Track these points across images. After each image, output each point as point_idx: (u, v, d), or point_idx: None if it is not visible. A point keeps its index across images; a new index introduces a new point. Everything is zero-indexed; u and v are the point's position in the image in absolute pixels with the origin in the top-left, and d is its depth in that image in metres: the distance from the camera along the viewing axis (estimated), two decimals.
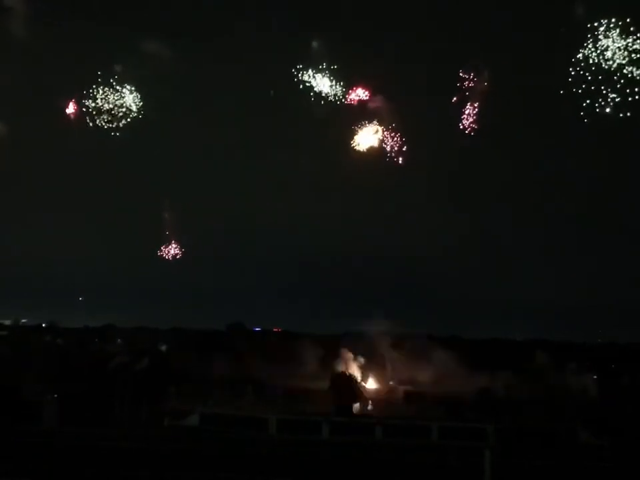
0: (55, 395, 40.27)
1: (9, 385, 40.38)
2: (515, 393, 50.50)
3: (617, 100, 50.37)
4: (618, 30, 50.37)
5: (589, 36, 50.83)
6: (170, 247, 67.33)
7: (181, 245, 67.97)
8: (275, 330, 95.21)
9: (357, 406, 45.75)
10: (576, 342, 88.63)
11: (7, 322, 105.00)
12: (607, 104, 50.77)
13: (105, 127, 58.48)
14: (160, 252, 66.96)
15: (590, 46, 50.56)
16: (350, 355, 63.15)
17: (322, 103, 57.77)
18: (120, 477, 24.92)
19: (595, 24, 50.87)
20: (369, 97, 58.74)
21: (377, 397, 53.21)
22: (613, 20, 50.25)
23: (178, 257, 67.35)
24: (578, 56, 50.59)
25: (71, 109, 61.32)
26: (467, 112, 56.28)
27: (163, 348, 75.89)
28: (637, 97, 49.74)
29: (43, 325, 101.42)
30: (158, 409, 44.26)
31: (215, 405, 45.32)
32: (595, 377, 70.50)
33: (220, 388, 50.24)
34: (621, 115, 50.45)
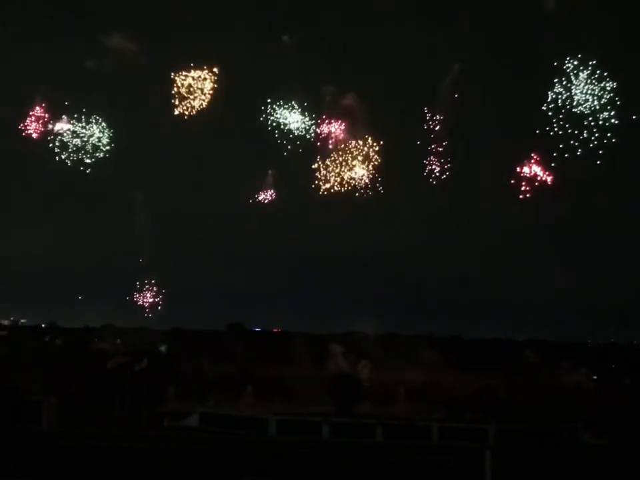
0: (55, 395, 40.21)
1: (8, 385, 40.33)
2: (506, 393, 50.59)
3: (590, 145, 50.60)
4: (587, 72, 50.52)
5: (562, 79, 51.00)
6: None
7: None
8: (274, 330, 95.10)
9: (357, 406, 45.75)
10: (576, 342, 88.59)
11: (7, 322, 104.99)
12: (578, 147, 51.08)
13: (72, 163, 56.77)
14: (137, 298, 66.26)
15: (560, 87, 50.70)
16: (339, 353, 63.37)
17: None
18: (119, 478, 24.84)
19: (566, 65, 51.09)
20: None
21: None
22: (583, 62, 50.41)
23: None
24: (548, 97, 50.77)
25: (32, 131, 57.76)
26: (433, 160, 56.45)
27: (163, 348, 75.80)
28: (609, 141, 49.95)
29: (43, 325, 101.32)
30: (157, 409, 44.23)
31: (214, 406, 45.30)
32: (595, 377, 70.56)
33: (220, 388, 50.20)
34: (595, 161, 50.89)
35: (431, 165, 56.35)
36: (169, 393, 48.44)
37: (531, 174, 53.40)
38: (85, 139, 56.76)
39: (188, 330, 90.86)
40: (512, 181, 53.74)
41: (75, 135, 56.67)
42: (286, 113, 57.63)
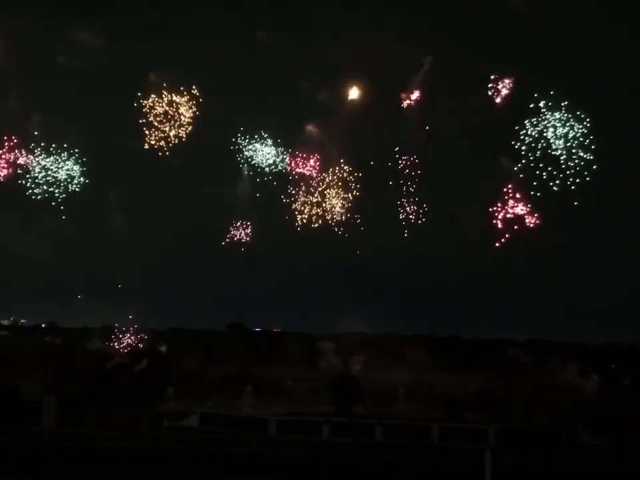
0: (55, 395, 40.21)
1: (8, 385, 40.34)
2: (505, 393, 50.65)
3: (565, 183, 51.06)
4: (560, 113, 50.98)
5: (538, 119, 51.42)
6: None
7: None
8: (274, 330, 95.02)
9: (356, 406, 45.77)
10: (576, 342, 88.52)
11: (7, 322, 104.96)
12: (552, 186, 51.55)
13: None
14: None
15: (531, 126, 51.18)
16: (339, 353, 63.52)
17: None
18: (119, 478, 24.83)
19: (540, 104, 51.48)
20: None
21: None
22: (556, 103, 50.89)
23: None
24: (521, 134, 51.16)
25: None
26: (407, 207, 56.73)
27: (163, 348, 75.78)
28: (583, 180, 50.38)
29: (43, 325, 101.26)
30: (157, 409, 44.24)
31: (214, 406, 45.30)
32: (595, 377, 70.53)
33: (220, 388, 50.20)
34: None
35: (406, 207, 57.04)
36: (169, 393, 48.44)
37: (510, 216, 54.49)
38: (56, 174, 56.38)
39: (188, 330, 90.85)
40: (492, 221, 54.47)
41: (44, 169, 56.30)
42: (258, 146, 58.18)
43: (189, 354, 66.45)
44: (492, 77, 54.17)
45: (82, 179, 55.01)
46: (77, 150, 55.11)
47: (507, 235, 52.06)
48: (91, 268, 77.12)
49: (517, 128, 50.98)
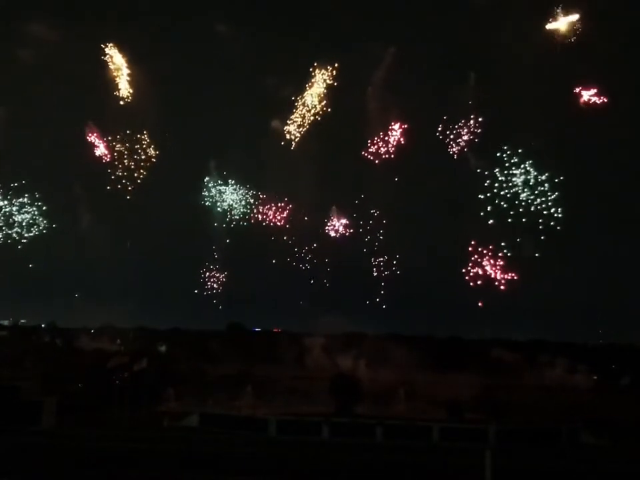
0: (54, 395, 40.18)
1: (8, 385, 40.30)
2: (505, 393, 50.66)
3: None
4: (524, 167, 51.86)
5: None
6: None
7: None
8: (274, 330, 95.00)
9: (357, 406, 45.71)
10: (576, 342, 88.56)
11: (7, 322, 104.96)
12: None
13: None
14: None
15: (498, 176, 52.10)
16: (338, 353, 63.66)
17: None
18: (119, 478, 24.81)
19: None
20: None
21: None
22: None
23: None
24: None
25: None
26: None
27: (163, 348, 75.76)
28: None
29: (42, 326, 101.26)
30: (157, 409, 44.20)
31: (214, 406, 45.26)
32: (595, 377, 70.56)
33: (220, 388, 50.17)
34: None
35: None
36: (169, 393, 48.41)
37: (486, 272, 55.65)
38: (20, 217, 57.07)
39: (188, 330, 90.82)
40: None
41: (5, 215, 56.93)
42: (224, 189, 59.01)
43: (189, 354, 66.46)
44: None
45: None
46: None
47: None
48: (91, 268, 77.15)
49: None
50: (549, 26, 57.39)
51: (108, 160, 59.87)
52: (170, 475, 25.43)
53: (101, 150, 59.96)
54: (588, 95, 58.92)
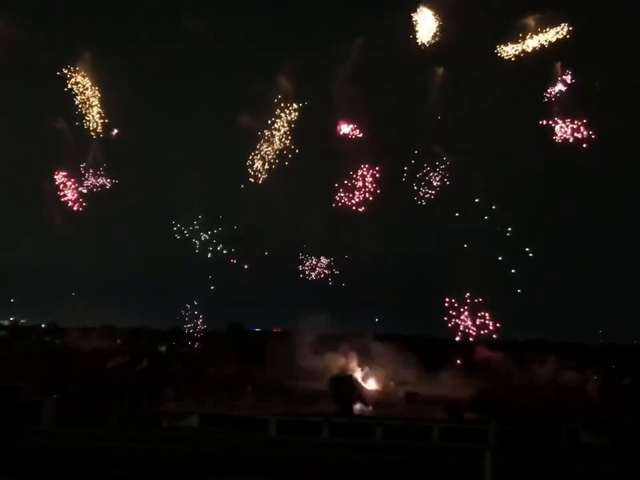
0: (54, 395, 40.17)
1: (8, 385, 40.29)
2: (505, 393, 50.65)
3: None
4: None
5: None
6: None
7: None
8: (274, 330, 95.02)
9: (357, 406, 45.72)
10: (576, 342, 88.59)
11: (7, 322, 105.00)
12: None
13: None
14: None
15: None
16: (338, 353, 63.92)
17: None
18: (119, 478, 24.82)
19: None
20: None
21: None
22: None
23: None
24: None
25: None
26: None
27: (162, 348, 75.85)
28: None
29: (42, 326, 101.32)
30: (157, 409, 44.18)
31: (214, 406, 45.24)
32: (595, 377, 70.57)
33: (220, 388, 50.18)
34: None
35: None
36: (169, 393, 48.39)
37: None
38: None
39: (187, 330, 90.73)
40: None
41: None
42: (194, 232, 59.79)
43: (189, 354, 66.52)
44: None
45: None
46: None
47: None
48: (90, 268, 77.26)
49: None
50: None
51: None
52: (170, 475, 25.43)
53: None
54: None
